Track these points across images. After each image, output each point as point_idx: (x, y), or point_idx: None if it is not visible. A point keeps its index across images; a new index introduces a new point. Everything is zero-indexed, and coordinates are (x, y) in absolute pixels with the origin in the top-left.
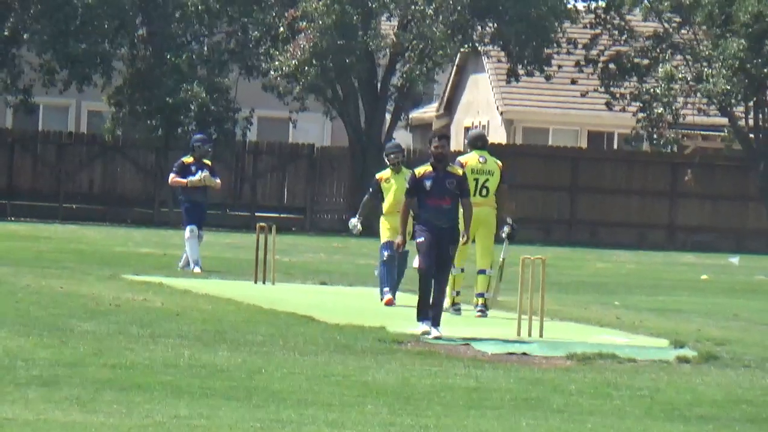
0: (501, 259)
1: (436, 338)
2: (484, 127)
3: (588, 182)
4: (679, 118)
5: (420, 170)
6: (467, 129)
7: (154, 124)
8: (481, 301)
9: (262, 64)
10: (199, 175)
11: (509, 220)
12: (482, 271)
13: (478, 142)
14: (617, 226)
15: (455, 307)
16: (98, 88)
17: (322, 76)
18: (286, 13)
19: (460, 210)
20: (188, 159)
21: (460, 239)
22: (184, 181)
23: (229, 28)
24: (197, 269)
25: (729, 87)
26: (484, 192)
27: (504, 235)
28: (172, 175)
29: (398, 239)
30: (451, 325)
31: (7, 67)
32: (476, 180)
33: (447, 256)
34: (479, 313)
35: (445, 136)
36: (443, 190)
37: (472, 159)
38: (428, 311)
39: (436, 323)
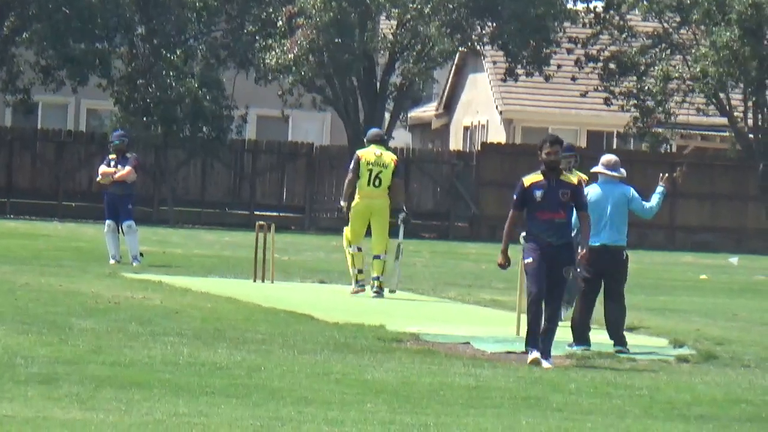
0: (398, 243)
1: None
2: (483, 126)
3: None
4: (671, 117)
5: (529, 179)
6: (466, 128)
7: (151, 120)
8: (377, 283)
9: (257, 59)
10: (111, 169)
11: (404, 209)
12: (377, 257)
13: (376, 137)
14: None
15: (359, 284)
16: (98, 87)
17: (318, 72)
18: (284, 8)
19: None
20: (112, 155)
21: (578, 255)
22: (112, 170)
23: (227, 26)
24: (112, 261)
25: (721, 70)
26: (377, 183)
27: (400, 222)
28: (101, 168)
29: (499, 258)
30: (450, 324)
31: (6, 66)
32: (370, 171)
33: (560, 279)
34: (375, 294)
35: (558, 141)
36: (556, 202)
37: (368, 153)
38: (538, 339)
39: (546, 355)
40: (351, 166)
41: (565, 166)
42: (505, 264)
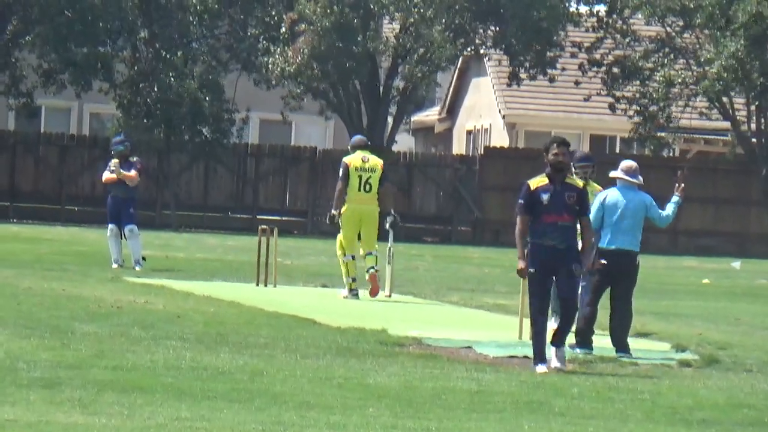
0: (389, 247)
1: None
2: (486, 130)
3: None
4: (672, 122)
5: (535, 182)
6: (469, 132)
7: (151, 122)
8: (372, 269)
9: (260, 62)
10: (112, 164)
11: (392, 212)
12: (369, 253)
13: (360, 143)
14: None
15: (353, 293)
16: (100, 91)
17: (322, 79)
18: (285, 15)
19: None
20: (115, 160)
21: (587, 262)
22: (113, 176)
23: (229, 29)
24: (115, 266)
25: (725, 75)
26: (367, 188)
27: (389, 226)
28: (105, 173)
29: (520, 264)
30: (453, 328)
31: (9, 70)
32: (360, 177)
33: (568, 278)
34: (372, 271)
35: (565, 142)
36: (562, 205)
37: (356, 159)
38: (545, 354)
39: (559, 344)
40: (340, 174)
41: (582, 176)
42: (526, 270)
